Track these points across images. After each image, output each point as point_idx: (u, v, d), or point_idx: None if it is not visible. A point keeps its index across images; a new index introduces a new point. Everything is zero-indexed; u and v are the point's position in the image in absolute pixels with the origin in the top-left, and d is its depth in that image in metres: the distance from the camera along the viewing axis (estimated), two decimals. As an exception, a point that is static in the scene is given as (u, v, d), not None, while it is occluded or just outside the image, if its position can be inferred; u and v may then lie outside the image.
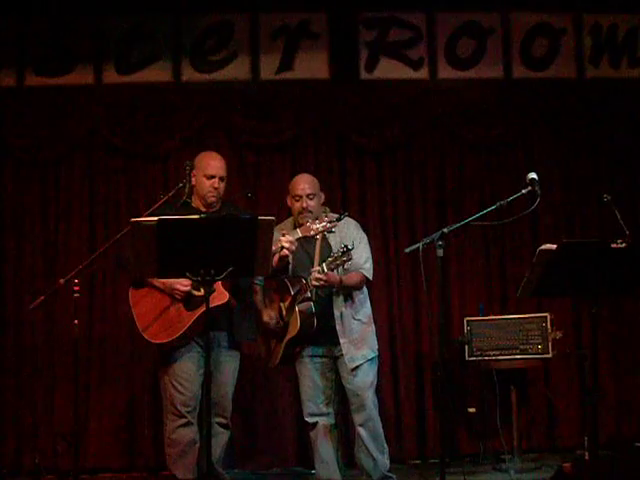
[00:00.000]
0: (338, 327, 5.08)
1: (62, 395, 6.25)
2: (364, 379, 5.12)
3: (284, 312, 5.11)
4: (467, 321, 6.15)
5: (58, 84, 6.59)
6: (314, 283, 4.90)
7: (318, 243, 5.10)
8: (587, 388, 6.39)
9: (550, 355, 5.99)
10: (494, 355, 6.05)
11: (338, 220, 4.93)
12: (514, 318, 6.11)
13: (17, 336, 6.44)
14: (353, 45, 6.77)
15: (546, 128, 6.83)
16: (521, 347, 6.01)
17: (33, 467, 5.94)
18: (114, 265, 5.57)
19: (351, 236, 5.14)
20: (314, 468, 5.30)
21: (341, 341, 5.08)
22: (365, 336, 5.18)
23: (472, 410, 6.44)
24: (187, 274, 4.21)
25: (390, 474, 5.14)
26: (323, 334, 5.09)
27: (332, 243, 5.12)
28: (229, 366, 5.01)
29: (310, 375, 5.18)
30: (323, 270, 4.87)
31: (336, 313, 5.09)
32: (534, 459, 6.27)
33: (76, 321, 5.30)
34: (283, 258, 4.87)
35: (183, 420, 4.87)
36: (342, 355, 5.10)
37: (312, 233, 4.87)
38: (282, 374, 6.22)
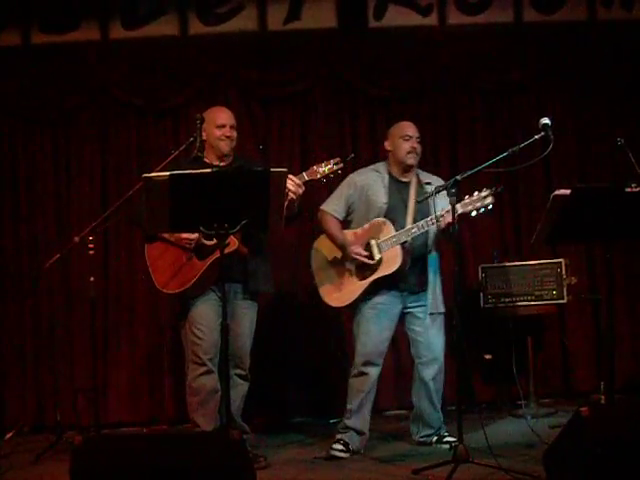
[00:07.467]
0: (430, 277, 5.16)
1: (81, 352, 6.30)
2: (440, 332, 5.21)
3: (375, 249, 5.11)
4: (482, 268, 6.14)
5: (64, 41, 6.53)
6: (445, 221, 4.89)
7: (412, 190, 5.20)
8: (602, 332, 6.42)
9: (565, 301, 5.99)
10: (509, 302, 6.06)
11: (344, 162, 4.96)
12: (529, 264, 6.09)
13: (34, 295, 6.46)
14: (361, -8, 6.69)
15: (558, 72, 6.74)
16: (536, 293, 6.00)
17: (54, 424, 6.01)
18: (129, 221, 5.59)
19: None
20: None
21: (429, 290, 5.17)
22: (441, 290, 5.30)
23: (488, 357, 6.46)
24: (201, 228, 4.23)
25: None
26: (405, 281, 5.17)
27: (428, 189, 5.10)
28: (246, 317, 5.05)
29: (380, 322, 5.18)
30: (456, 211, 4.84)
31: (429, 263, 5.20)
32: (550, 404, 6.32)
33: (92, 278, 5.34)
34: (291, 203, 4.83)
35: (204, 368, 4.92)
36: (418, 307, 5.19)
37: (318, 176, 4.89)
38: (294, 323, 6.27)
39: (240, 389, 5.04)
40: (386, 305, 5.19)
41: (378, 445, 5.29)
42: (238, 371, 5.01)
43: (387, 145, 5.36)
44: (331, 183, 5.22)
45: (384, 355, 5.26)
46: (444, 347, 5.27)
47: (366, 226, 5.20)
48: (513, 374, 5.96)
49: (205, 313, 4.93)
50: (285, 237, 6.23)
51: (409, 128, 5.31)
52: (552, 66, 6.72)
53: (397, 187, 5.26)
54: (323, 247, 5.33)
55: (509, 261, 6.29)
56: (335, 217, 5.30)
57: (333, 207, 5.33)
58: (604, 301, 6.30)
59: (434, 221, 4.95)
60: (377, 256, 5.11)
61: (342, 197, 5.33)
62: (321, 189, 6.10)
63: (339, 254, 5.24)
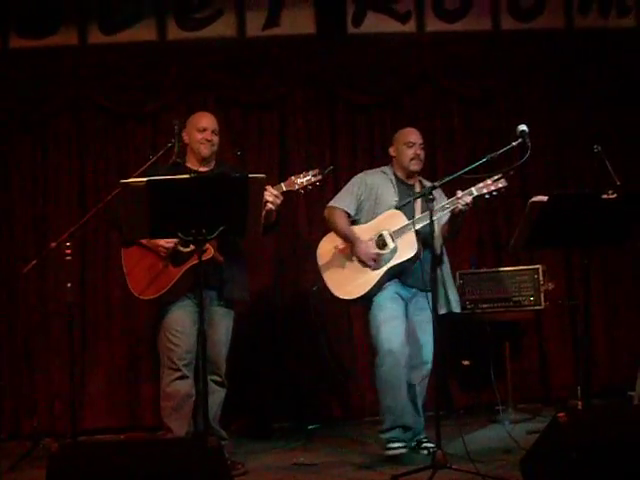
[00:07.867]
0: (446, 271, 5.12)
1: (58, 359, 6.24)
2: (432, 335, 5.03)
3: (388, 238, 5.09)
4: (459, 274, 6.15)
5: (42, 46, 6.50)
6: (463, 202, 4.88)
7: (418, 191, 5.20)
8: (579, 338, 6.45)
9: (542, 306, 6.03)
10: (487, 308, 6.08)
11: (322, 175, 4.94)
12: (506, 270, 6.12)
13: (11, 301, 6.44)
14: (340, -1, 6.70)
15: (535, 80, 6.79)
16: (514, 299, 6.03)
17: (31, 430, 5.96)
18: (108, 225, 5.56)
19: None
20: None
21: (446, 287, 5.11)
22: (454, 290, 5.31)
23: (466, 363, 6.48)
24: (179, 234, 4.21)
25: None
26: (414, 276, 5.12)
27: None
28: (221, 324, 5.03)
29: (397, 310, 5.12)
30: (472, 193, 4.87)
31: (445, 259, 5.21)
32: (528, 410, 6.33)
33: (69, 284, 5.31)
34: (269, 213, 4.81)
35: (178, 373, 4.90)
36: (419, 308, 5.12)
37: (296, 187, 4.90)
38: (274, 329, 6.24)
39: (217, 395, 5.02)
40: (399, 296, 5.17)
41: (357, 451, 5.27)
42: (214, 377, 4.99)
43: (392, 151, 5.38)
44: (310, 194, 5.22)
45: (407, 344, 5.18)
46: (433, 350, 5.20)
47: (376, 219, 5.19)
48: (491, 380, 5.98)
49: (181, 319, 4.91)
50: (265, 244, 6.24)
51: (412, 135, 5.33)
52: (530, 73, 6.77)
53: (404, 187, 5.29)
54: (330, 243, 5.27)
55: (486, 267, 6.32)
56: (346, 212, 5.28)
57: (344, 203, 5.31)
58: (581, 307, 6.33)
59: (448, 206, 4.94)
60: (391, 245, 5.08)
61: (353, 195, 5.32)
62: (300, 200, 6.14)
63: (349, 247, 5.20)
